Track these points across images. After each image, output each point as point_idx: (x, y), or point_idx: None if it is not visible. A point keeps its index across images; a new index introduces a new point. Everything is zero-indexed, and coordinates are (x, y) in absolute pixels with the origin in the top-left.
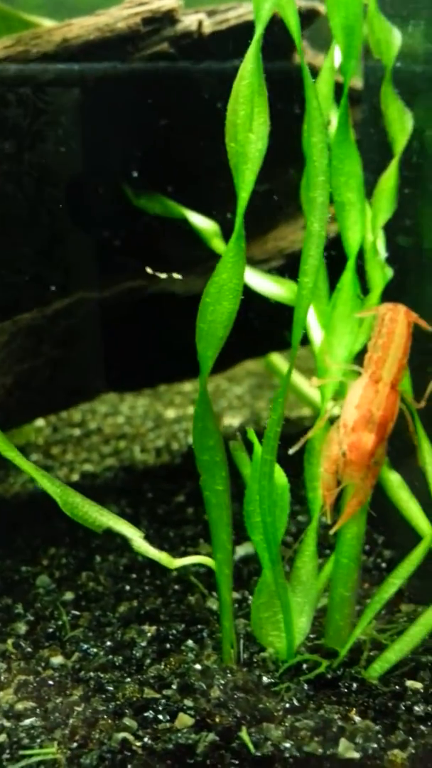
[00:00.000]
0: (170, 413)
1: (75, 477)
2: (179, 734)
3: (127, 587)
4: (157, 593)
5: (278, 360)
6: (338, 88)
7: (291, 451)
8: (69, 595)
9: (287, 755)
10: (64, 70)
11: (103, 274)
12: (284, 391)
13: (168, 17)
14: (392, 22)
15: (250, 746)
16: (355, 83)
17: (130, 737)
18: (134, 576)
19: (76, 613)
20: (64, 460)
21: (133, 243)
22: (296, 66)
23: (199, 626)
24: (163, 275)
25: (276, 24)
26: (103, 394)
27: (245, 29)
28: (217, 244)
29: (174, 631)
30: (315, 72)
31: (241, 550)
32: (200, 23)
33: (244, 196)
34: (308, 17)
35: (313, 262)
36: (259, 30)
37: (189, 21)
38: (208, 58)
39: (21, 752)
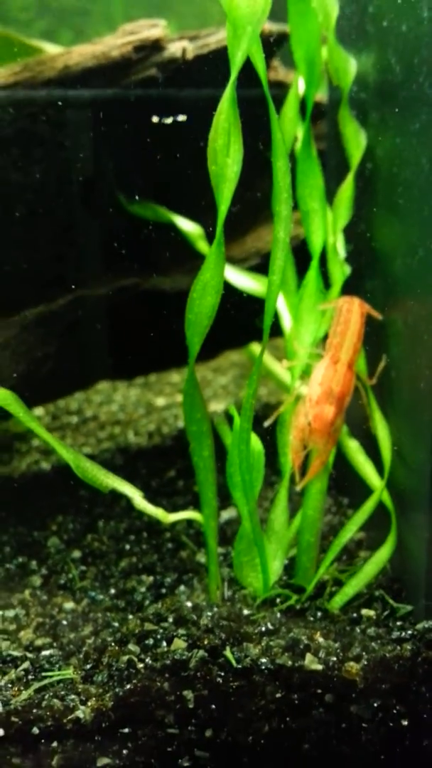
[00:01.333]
0: (160, 401)
1: None
2: (174, 654)
3: (127, 546)
4: (153, 550)
5: (258, 350)
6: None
7: (266, 424)
8: (77, 554)
9: (263, 667)
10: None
11: (100, 273)
12: (258, 368)
13: (156, 45)
14: (349, 51)
15: (233, 661)
16: (321, 98)
17: (134, 659)
18: (133, 537)
19: (83, 568)
20: (64, 444)
21: (127, 245)
22: (273, 80)
23: (190, 575)
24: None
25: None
26: (102, 381)
27: (225, 52)
28: (202, 246)
29: (168, 580)
30: (287, 87)
31: (226, 514)
32: (184, 50)
33: (223, 209)
34: (280, 40)
35: (279, 263)
36: (233, 74)
37: (174, 48)
38: (193, 79)
39: (43, 674)
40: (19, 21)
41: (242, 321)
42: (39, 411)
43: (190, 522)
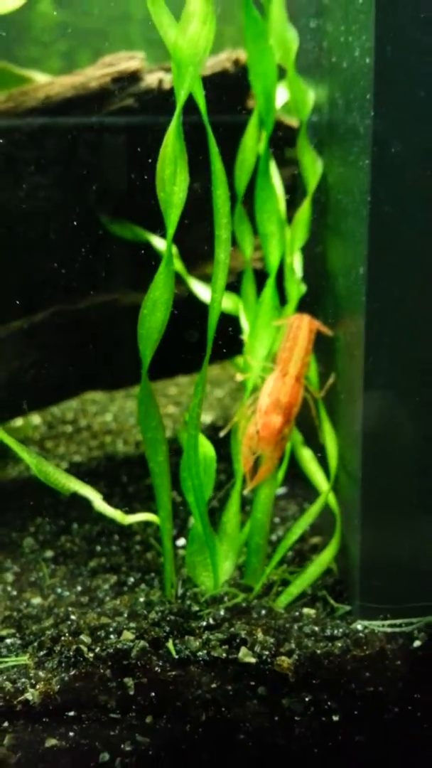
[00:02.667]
0: None
1: (64, 466)
2: (120, 644)
3: (98, 548)
4: (121, 552)
5: (241, 362)
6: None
7: (221, 434)
8: (49, 553)
9: (200, 659)
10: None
11: (80, 289)
12: (202, 379)
13: (133, 76)
14: (310, 82)
15: (173, 651)
16: (291, 122)
17: (84, 648)
18: (104, 539)
19: (54, 567)
20: (57, 452)
21: (106, 263)
22: (248, 111)
23: (153, 575)
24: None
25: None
26: (85, 392)
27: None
28: (176, 264)
29: (131, 579)
30: (251, 111)
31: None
32: (161, 80)
33: (170, 232)
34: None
35: (220, 283)
36: (178, 109)
37: (151, 79)
38: (168, 108)
39: (0, 660)
40: (40, 42)
41: (226, 336)
42: (36, 420)
43: (159, 528)
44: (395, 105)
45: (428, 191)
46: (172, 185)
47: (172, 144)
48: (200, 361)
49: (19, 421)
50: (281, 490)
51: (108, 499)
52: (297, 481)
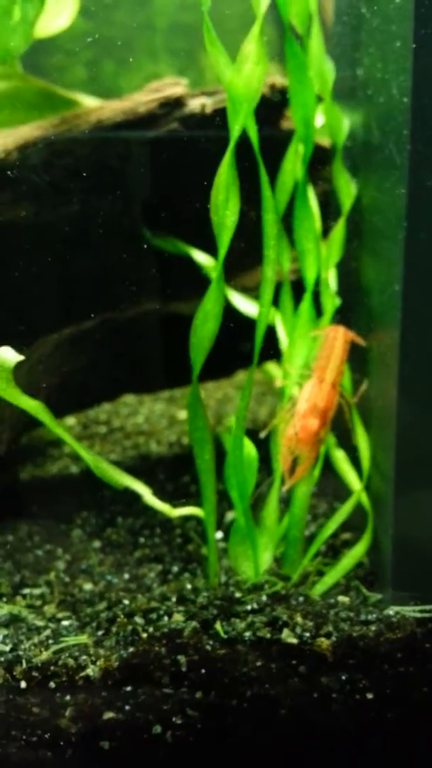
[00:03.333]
0: (182, 414)
1: None
2: (172, 625)
3: (142, 540)
4: (164, 544)
5: (273, 368)
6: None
7: (261, 435)
8: (97, 543)
9: (246, 638)
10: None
11: (126, 298)
12: (248, 385)
13: (178, 102)
14: (345, 107)
15: (221, 632)
16: (324, 142)
17: (139, 628)
18: (147, 532)
19: (102, 556)
20: (92, 452)
21: (150, 275)
22: (282, 131)
23: (194, 565)
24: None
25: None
26: (126, 394)
27: None
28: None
29: (175, 568)
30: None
31: (231, 515)
32: (203, 105)
33: (222, 252)
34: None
35: (267, 298)
36: (231, 143)
37: (194, 104)
38: (211, 130)
39: (61, 639)
40: (66, 50)
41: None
42: (71, 421)
43: (199, 520)
44: (430, 142)
45: None
46: (225, 210)
47: (225, 173)
48: (227, 367)
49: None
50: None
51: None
52: (327, 480)
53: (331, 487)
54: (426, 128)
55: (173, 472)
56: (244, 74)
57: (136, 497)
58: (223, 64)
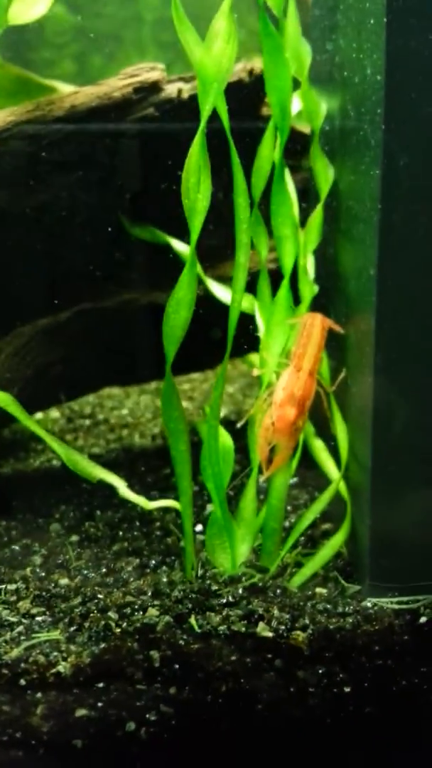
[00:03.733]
0: None
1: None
2: (145, 620)
3: (120, 533)
4: (143, 537)
5: (255, 358)
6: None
7: (238, 425)
8: (75, 538)
9: (220, 632)
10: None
11: (103, 288)
12: (222, 374)
13: (154, 86)
14: (323, 92)
15: (195, 626)
16: (304, 128)
17: (112, 624)
18: (126, 525)
19: (79, 550)
20: (76, 445)
21: (127, 264)
22: (263, 118)
23: (173, 558)
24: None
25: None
26: (106, 387)
27: None
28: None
29: (153, 561)
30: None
31: (211, 507)
32: (179, 91)
33: (194, 236)
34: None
35: (240, 284)
36: (202, 123)
37: (170, 89)
38: (187, 115)
39: (33, 635)
40: (54, 44)
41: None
42: (55, 414)
43: (178, 513)
44: (404, 120)
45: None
46: (196, 193)
47: (196, 155)
48: (213, 358)
49: (39, 415)
50: (292, 480)
51: (128, 488)
52: (307, 471)
53: (312, 478)
54: (400, 106)
55: (155, 465)
56: (215, 53)
57: (114, 490)
58: (192, 42)
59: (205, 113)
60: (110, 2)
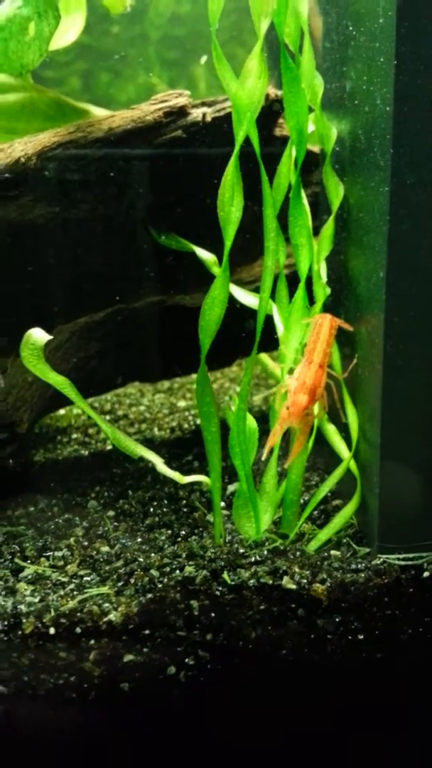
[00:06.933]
0: (182, 403)
1: (108, 448)
2: (185, 575)
3: (151, 509)
4: (172, 512)
5: (266, 359)
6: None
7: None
8: (111, 513)
9: (250, 585)
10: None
11: (134, 291)
12: (251, 363)
13: (182, 111)
14: (334, 115)
15: (228, 579)
16: (313, 148)
17: (155, 579)
18: (156, 503)
19: (116, 524)
20: (98, 438)
21: (156, 269)
22: (276, 137)
23: (201, 529)
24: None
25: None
26: (135, 381)
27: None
28: (216, 271)
29: (183, 532)
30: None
31: (232, 488)
32: (204, 115)
33: (228, 244)
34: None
35: (267, 285)
36: (236, 147)
37: (196, 113)
38: (211, 137)
39: (84, 590)
40: (59, 62)
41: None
42: (77, 410)
43: (202, 492)
44: (410, 145)
45: None
46: (231, 206)
47: (231, 174)
48: (228, 358)
49: (61, 411)
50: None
51: (153, 473)
52: (318, 457)
53: (322, 462)
54: (406, 133)
55: (176, 453)
56: (248, 87)
57: (143, 472)
58: (228, 78)
59: (239, 138)
60: (117, 22)
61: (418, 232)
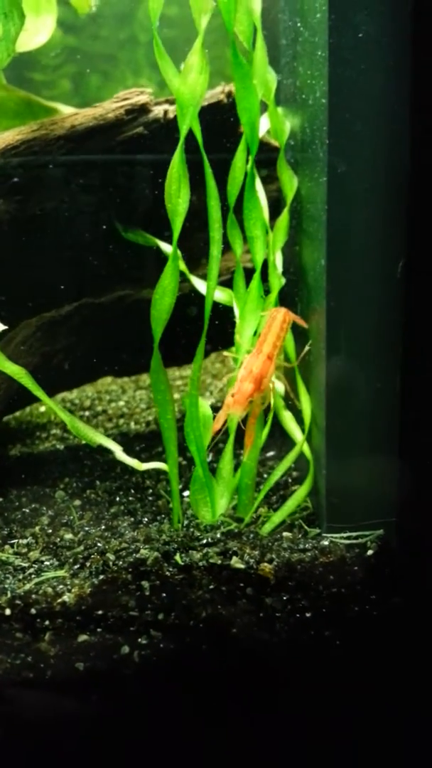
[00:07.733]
0: None
1: (84, 441)
2: (138, 557)
3: (117, 498)
4: (137, 501)
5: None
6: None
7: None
8: (77, 502)
9: (200, 565)
10: None
11: (100, 285)
12: (201, 349)
13: (143, 108)
14: (289, 111)
15: (179, 560)
16: (272, 141)
17: (110, 562)
18: (122, 492)
19: (82, 512)
20: (63, 409)
21: (122, 264)
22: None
23: (163, 516)
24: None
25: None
26: (102, 377)
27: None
28: (180, 265)
29: (145, 519)
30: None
31: None
32: (165, 112)
33: (175, 234)
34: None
35: (214, 273)
36: (181, 140)
37: (158, 110)
38: (172, 133)
39: (42, 574)
40: (49, 66)
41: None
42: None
43: (168, 481)
44: (344, 135)
45: (368, 201)
46: (177, 198)
47: (177, 166)
48: (190, 356)
49: (41, 408)
50: (270, 453)
51: (122, 464)
52: (284, 446)
53: (286, 452)
54: (340, 124)
55: (149, 445)
56: (189, 83)
57: (112, 465)
58: (171, 74)
59: (183, 132)
60: (106, 24)
61: (353, 220)
